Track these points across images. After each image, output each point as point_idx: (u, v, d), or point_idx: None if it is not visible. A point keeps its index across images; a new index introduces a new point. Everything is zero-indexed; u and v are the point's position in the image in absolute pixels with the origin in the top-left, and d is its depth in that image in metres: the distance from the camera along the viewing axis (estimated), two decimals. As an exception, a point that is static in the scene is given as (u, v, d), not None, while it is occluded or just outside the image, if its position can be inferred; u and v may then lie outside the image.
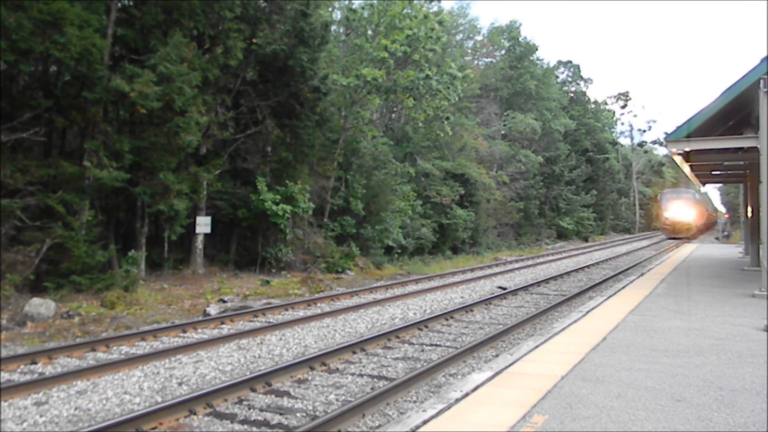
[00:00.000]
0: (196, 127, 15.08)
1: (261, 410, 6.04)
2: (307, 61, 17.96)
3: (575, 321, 8.25)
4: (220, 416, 5.87)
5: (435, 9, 26.99)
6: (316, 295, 14.53)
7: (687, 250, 27.50)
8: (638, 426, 4.06)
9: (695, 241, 42.93)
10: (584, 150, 53.46)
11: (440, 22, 23.94)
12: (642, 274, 15.34)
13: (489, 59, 45.17)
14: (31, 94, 13.85)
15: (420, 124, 25.88)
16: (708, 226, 62.10)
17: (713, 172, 19.49)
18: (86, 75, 13.44)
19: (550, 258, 28.25)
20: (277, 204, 17.93)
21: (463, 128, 32.29)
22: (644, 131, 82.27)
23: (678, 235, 45.11)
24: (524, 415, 4.28)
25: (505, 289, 15.64)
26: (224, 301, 13.37)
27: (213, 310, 12.22)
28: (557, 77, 54.31)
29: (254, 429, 5.59)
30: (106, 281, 13.15)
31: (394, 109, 28.45)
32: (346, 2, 25.52)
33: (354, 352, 8.36)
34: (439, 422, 4.20)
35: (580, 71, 58.23)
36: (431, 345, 9.08)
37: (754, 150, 11.28)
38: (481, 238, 32.17)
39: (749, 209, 18.58)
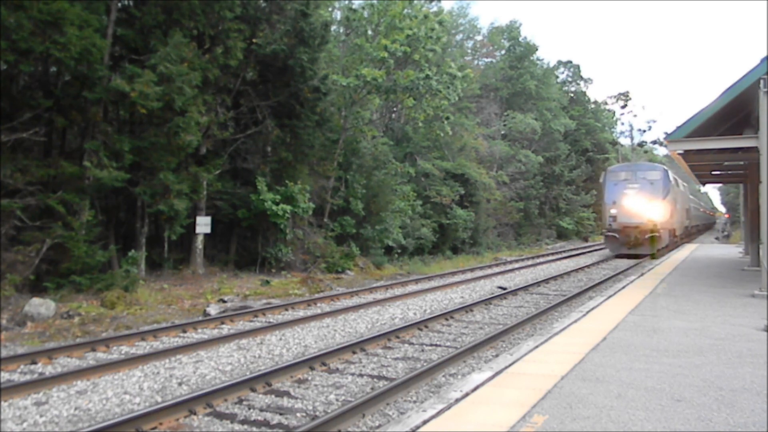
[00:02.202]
0: (196, 127, 15.10)
1: (261, 410, 6.04)
2: (307, 61, 17.96)
3: (575, 321, 8.24)
4: (220, 416, 5.87)
5: (435, 9, 27.02)
6: (316, 295, 14.53)
7: (687, 250, 27.48)
8: (638, 426, 4.06)
9: (695, 240, 40.97)
10: (584, 150, 53.42)
11: (440, 22, 23.95)
12: (642, 274, 15.32)
13: (489, 59, 45.21)
14: (31, 94, 13.85)
15: (420, 124, 25.90)
16: (700, 229, 50.30)
17: (713, 172, 19.49)
18: (86, 75, 13.45)
19: (550, 258, 28.23)
20: (277, 204, 17.93)
21: (463, 128, 32.30)
22: (644, 131, 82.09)
23: (636, 250, 24.72)
24: (524, 415, 4.28)
25: (505, 289, 15.64)
26: (224, 301, 13.37)
27: (213, 310, 12.22)
28: (557, 77, 54.23)
29: (254, 429, 5.59)
30: (106, 281, 13.16)
31: (394, 109, 28.46)
32: (346, 2, 25.53)
33: (354, 352, 8.36)
34: (439, 422, 4.19)
35: (580, 71, 58.14)
36: (431, 345, 9.07)
37: (754, 150, 11.27)
38: (481, 238, 32.16)
39: (749, 209, 18.58)
